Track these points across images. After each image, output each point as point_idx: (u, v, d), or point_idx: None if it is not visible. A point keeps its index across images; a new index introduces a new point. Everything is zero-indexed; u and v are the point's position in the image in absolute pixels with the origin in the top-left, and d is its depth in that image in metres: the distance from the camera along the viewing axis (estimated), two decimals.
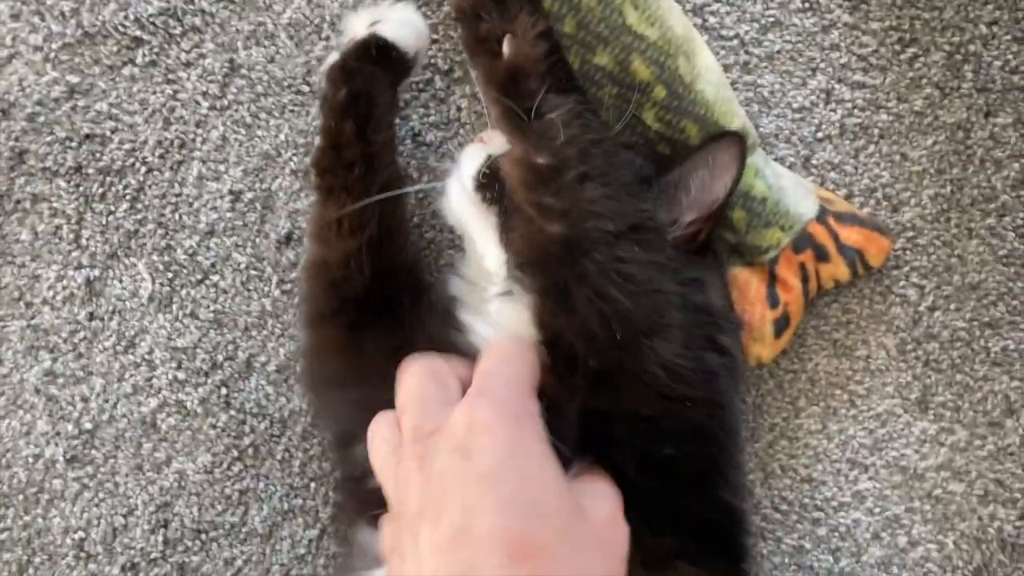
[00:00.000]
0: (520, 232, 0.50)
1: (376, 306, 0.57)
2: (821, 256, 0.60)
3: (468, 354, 0.51)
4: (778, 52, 0.64)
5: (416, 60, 0.59)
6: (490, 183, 0.54)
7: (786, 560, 0.64)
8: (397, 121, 0.64)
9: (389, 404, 0.52)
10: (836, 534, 0.64)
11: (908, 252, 0.64)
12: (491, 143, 0.55)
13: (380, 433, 0.48)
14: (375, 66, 0.56)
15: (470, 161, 0.55)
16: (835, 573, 0.64)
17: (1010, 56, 0.63)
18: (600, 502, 0.45)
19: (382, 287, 0.57)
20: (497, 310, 0.52)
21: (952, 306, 0.64)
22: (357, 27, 0.57)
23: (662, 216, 0.52)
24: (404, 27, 0.57)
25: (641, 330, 0.47)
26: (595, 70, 0.58)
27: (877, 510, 0.64)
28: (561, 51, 0.55)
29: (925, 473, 0.64)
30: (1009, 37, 0.63)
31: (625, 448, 0.47)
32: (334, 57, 0.57)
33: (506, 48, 0.52)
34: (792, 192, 0.60)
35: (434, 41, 0.64)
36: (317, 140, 0.59)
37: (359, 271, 0.56)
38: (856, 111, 0.64)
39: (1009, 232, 0.64)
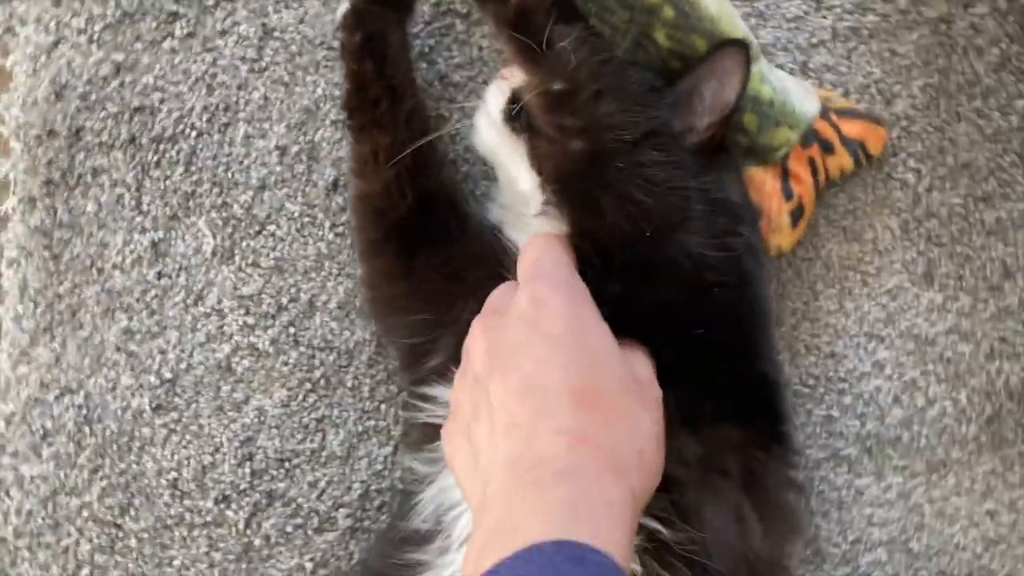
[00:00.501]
0: (547, 153, 0.56)
1: (422, 232, 0.62)
2: (827, 149, 0.66)
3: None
4: None
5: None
6: (516, 114, 0.59)
7: (817, 430, 0.71)
8: (424, 66, 0.69)
9: (445, 323, 0.58)
10: (860, 401, 0.71)
11: (904, 140, 0.70)
12: (512, 78, 0.60)
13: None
14: (383, 7, 0.62)
15: (495, 96, 0.60)
16: (862, 436, 0.70)
17: None
18: (640, 367, 0.52)
19: (425, 213, 0.62)
20: (537, 227, 0.58)
21: (947, 185, 0.70)
22: None
23: (678, 124, 0.58)
24: None
25: (666, 224, 0.54)
26: None
27: (895, 376, 0.70)
28: None
29: (936, 338, 0.70)
30: None
31: (661, 328, 0.53)
32: (345, 6, 0.63)
33: None
34: (796, 93, 0.65)
35: None
36: (344, 85, 0.64)
37: (401, 197, 0.62)
38: (845, 15, 0.69)
39: (994, 112, 0.70)
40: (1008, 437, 0.70)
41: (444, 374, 0.58)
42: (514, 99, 0.59)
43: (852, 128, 0.66)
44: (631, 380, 0.50)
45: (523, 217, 0.60)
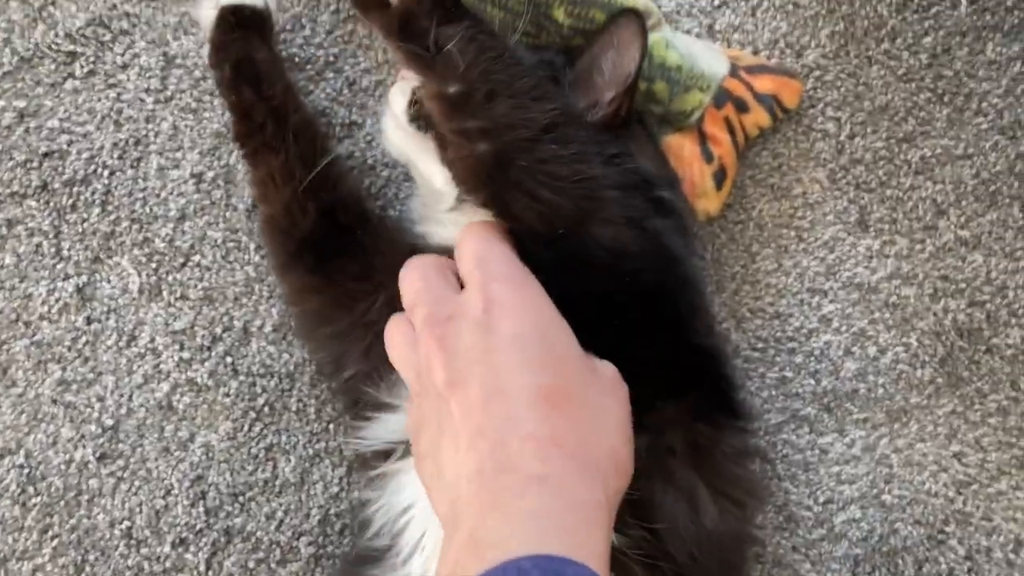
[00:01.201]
0: (453, 157, 0.55)
1: (332, 245, 0.62)
2: (741, 107, 0.65)
3: None
4: None
5: (269, 9, 0.64)
6: (420, 113, 0.58)
7: (773, 393, 0.70)
8: (331, 75, 0.69)
9: (371, 325, 0.58)
10: (812, 358, 0.70)
11: (818, 90, 0.70)
12: (412, 77, 0.59)
13: (397, 330, 0.52)
14: (240, 31, 0.62)
15: (398, 97, 0.59)
16: (819, 393, 0.69)
17: None
18: (602, 363, 0.51)
19: (331, 227, 0.62)
20: (452, 220, 0.57)
21: (868, 130, 0.70)
22: (207, 11, 0.63)
23: (582, 102, 0.57)
24: None
25: (578, 219, 0.52)
26: None
27: (844, 328, 0.70)
28: None
29: (878, 285, 0.70)
30: None
31: (590, 317, 0.51)
32: (207, 46, 0.63)
33: None
34: (703, 56, 0.65)
35: None
36: (230, 117, 0.64)
37: (303, 215, 0.62)
38: None
39: (903, 52, 0.70)
40: (964, 375, 0.70)
41: (380, 408, 0.57)
42: (418, 98, 0.58)
43: (764, 84, 0.66)
44: (596, 375, 0.49)
45: (439, 211, 0.59)
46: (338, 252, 0.62)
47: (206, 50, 0.64)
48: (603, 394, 0.48)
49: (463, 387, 0.46)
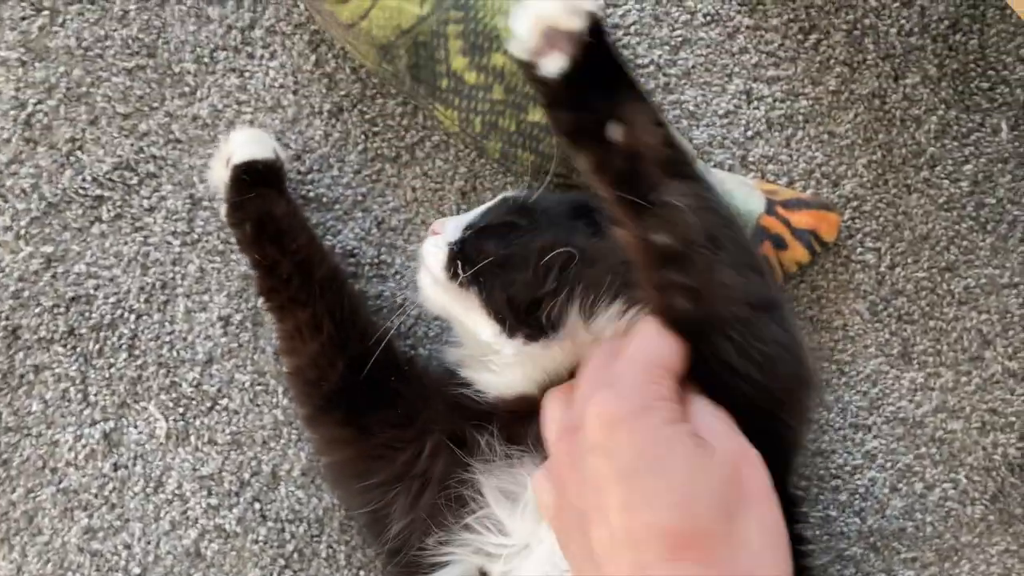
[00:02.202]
0: (644, 302, 0.51)
1: (362, 394, 0.60)
2: (779, 245, 0.64)
3: (479, 406, 0.56)
4: (693, 67, 0.68)
5: (280, 160, 0.63)
6: (460, 269, 0.55)
7: (817, 532, 0.67)
8: (359, 214, 0.68)
9: (417, 477, 0.56)
10: (857, 496, 0.67)
11: (857, 221, 0.68)
12: (446, 232, 0.58)
13: (550, 414, 0.51)
14: (256, 188, 0.61)
15: (433, 254, 0.57)
16: (865, 532, 0.67)
17: (903, 21, 0.68)
18: (726, 441, 0.46)
19: (360, 378, 0.60)
20: (508, 368, 0.55)
21: (909, 260, 0.68)
22: (220, 174, 0.62)
23: None
24: (251, 144, 0.62)
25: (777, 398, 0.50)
26: (531, 127, 0.62)
27: (889, 464, 0.67)
28: (675, 141, 0.52)
29: (924, 419, 0.68)
30: (897, 4, 0.68)
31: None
32: (223, 207, 0.63)
33: (618, 135, 0.50)
34: (739, 193, 0.63)
35: (375, 133, 0.68)
36: (254, 273, 0.63)
37: (330, 368, 0.60)
38: (777, 104, 0.68)
39: (943, 180, 0.68)
40: (1017, 512, 0.67)
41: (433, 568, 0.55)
42: (456, 255, 0.56)
43: (802, 219, 0.64)
44: (726, 492, 0.44)
45: (487, 360, 0.57)
46: (371, 402, 0.60)
47: (222, 210, 0.64)
48: (738, 515, 0.44)
49: (598, 522, 0.44)
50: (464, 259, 0.55)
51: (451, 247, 0.56)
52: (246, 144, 0.62)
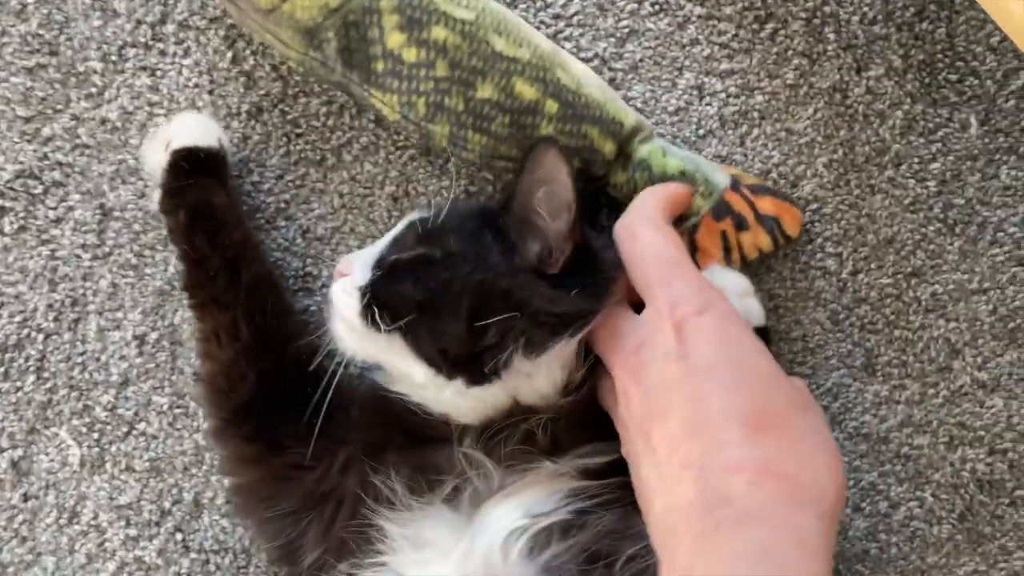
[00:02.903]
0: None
1: (274, 408, 0.55)
2: (741, 225, 0.59)
3: (431, 430, 0.52)
4: (641, 61, 0.63)
5: (224, 150, 0.59)
6: (379, 318, 0.51)
7: None
8: (283, 223, 0.63)
9: (328, 496, 0.53)
10: None
11: (817, 224, 0.64)
12: (354, 273, 0.53)
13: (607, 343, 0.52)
14: (195, 176, 0.57)
15: (345, 302, 0.52)
16: None
17: (865, 8, 0.63)
18: (796, 380, 0.51)
19: (274, 392, 0.56)
20: (444, 401, 0.52)
21: (873, 265, 0.64)
22: (157, 156, 0.58)
23: (531, 253, 0.51)
24: (192, 130, 0.58)
25: None
26: (481, 104, 0.57)
27: (851, 482, 0.64)
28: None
29: (888, 434, 0.64)
30: None
31: None
32: (157, 192, 0.58)
33: None
34: (705, 163, 0.60)
35: (299, 135, 0.63)
36: (181, 266, 0.58)
37: (242, 378, 0.56)
38: (731, 99, 0.63)
39: (909, 179, 0.64)
40: (986, 531, 0.63)
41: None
42: (370, 300, 0.51)
43: (767, 205, 0.60)
44: (799, 394, 0.49)
45: (426, 394, 0.53)
46: (283, 418, 0.55)
47: (155, 195, 0.59)
48: (807, 412, 0.48)
49: (662, 420, 0.46)
50: (380, 306, 0.51)
51: (363, 292, 0.52)
52: (188, 129, 0.58)
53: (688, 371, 0.47)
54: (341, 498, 0.53)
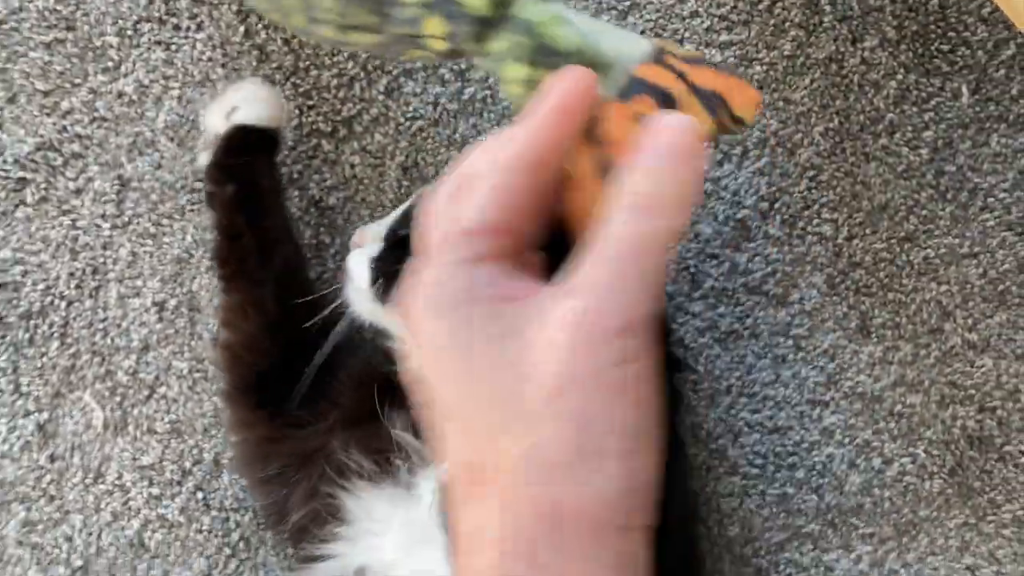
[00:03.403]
0: None
1: (287, 379, 0.57)
2: (666, 101, 0.40)
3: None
4: (642, 33, 0.65)
5: (281, 131, 0.60)
6: (388, 289, 0.52)
7: (774, 510, 0.66)
8: (295, 193, 0.65)
9: (315, 455, 0.55)
10: (814, 473, 0.66)
11: (813, 191, 0.66)
12: (367, 244, 0.55)
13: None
14: (250, 154, 0.58)
15: (359, 270, 0.54)
16: (823, 509, 0.66)
17: None
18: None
19: (293, 359, 0.57)
20: None
21: (867, 231, 0.66)
22: (216, 122, 0.59)
23: None
24: (259, 105, 0.59)
25: None
26: None
27: (847, 440, 0.66)
28: None
29: (882, 394, 0.66)
30: None
31: None
32: (206, 157, 0.59)
33: None
34: (612, 36, 0.42)
35: (311, 106, 0.64)
36: (214, 234, 0.60)
37: (265, 350, 0.58)
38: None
39: (902, 147, 0.65)
40: (975, 486, 0.66)
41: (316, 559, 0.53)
42: (382, 270, 0.53)
43: (707, 78, 0.41)
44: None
45: None
46: (290, 386, 0.57)
47: (202, 156, 0.60)
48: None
49: None
50: (390, 277, 0.52)
51: (372, 263, 0.53)
52: (255, 103, 0.59)
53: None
54: (328, 456, 0.55)
